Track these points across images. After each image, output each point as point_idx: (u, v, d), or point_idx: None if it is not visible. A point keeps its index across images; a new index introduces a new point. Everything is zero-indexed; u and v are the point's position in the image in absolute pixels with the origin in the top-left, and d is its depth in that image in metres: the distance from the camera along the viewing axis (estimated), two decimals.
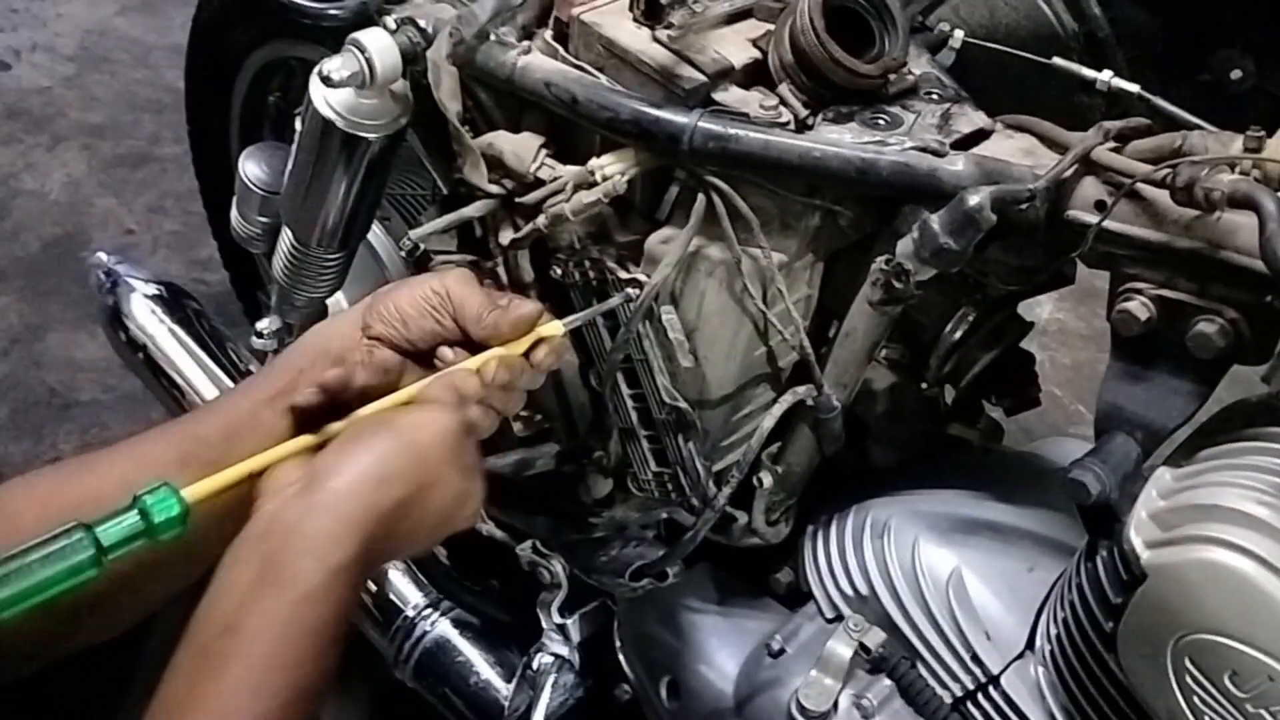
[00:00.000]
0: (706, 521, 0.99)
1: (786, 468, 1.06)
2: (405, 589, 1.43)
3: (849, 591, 1.04)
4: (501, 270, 1.10)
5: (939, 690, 0.97)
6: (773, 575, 1.15)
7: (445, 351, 0.89)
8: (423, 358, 0.88)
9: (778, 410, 0.95)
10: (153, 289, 1.68)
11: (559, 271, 1.03)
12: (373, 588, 1.46)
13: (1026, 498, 1.03)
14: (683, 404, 1.00)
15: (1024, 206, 0.82)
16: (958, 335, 0.97)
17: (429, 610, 1.41)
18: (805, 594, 1.10)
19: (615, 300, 0.97)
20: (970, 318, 0.97)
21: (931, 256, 0.84)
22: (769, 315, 0.93)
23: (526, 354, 0.87)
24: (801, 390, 0.96)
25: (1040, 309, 2.54)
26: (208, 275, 2.37)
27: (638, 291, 0.95)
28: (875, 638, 1.00)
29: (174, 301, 1.67)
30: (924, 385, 1.02)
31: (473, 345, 0.87)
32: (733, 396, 1.01)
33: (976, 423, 1.11)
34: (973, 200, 0.82)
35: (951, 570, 0.97)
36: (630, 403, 1.06)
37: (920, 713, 0.97)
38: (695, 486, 1.05)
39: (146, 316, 1.63)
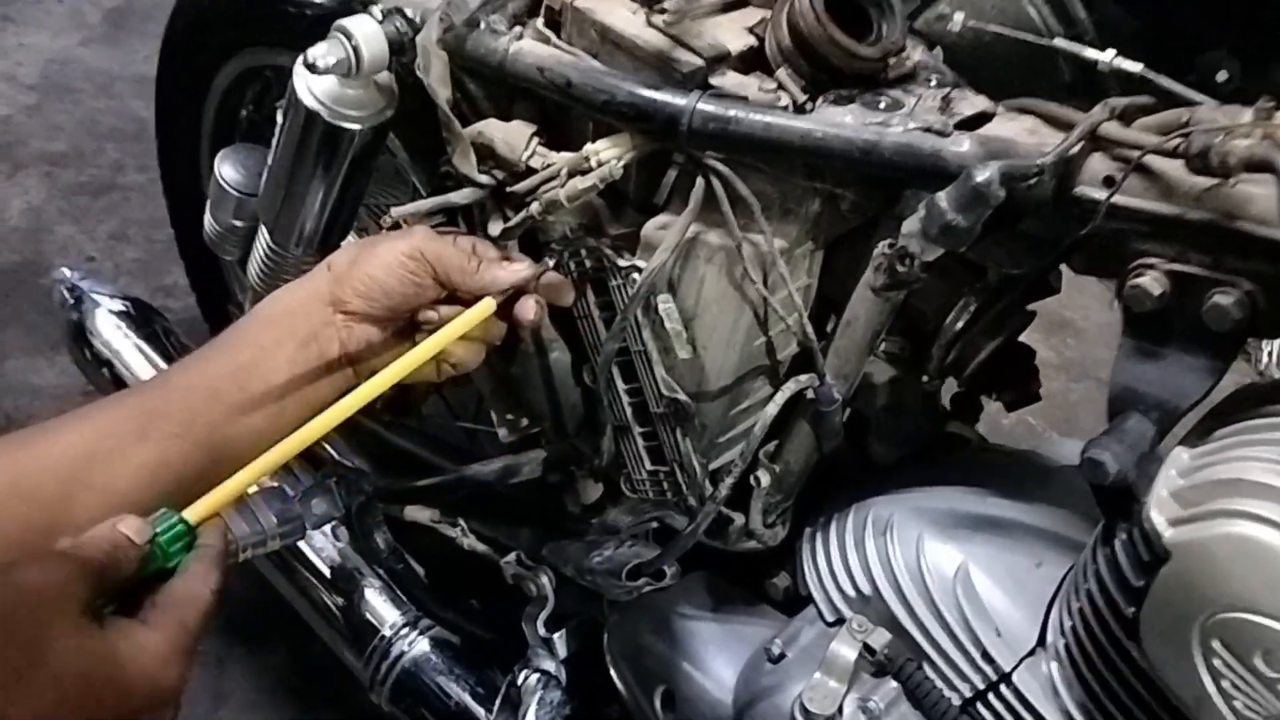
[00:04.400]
0: (707, 515, 0.96)
1: (784, 466, 1.03)
2: (381, 607, 1.38)
3: (851, 593, 1.01)
4: None
5: (947, 691, 0.94)
6: (769, 580, 1.11)
7: (430, 314, 0.87)
8: (400, 325, 0.87)
9: (780, 398, 0.92)
10: (118, 304, 1.63)
11: (552, 263, 1.00)
12: (346, 606, 1.41)
13: (1030, 494, 1.00)
14: (681, 396, 0.97)
15: (1032, 182, 0.80)
16: (960, 324, 0.95)
17: (406, 629, 1.36)
18: (804, 598, 1.06)
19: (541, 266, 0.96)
20: (972, 306, 0.95)
21: (939, 234, 0.82)
22: (771, 301, 0.90)
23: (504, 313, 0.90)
24: (804, 379, 0.93)
25: None
26: (172, 302, 2.32)
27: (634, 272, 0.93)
28: (880, 639, 0.97)
29: (141, 317, 1.62)
30: (925, 378, 1.00)
31: (453, 300, 0.86)
32: (731, 389, 0.98)
33: (976, 420, 1.08)
34: (981, 175, 0.80)
35: (958, 567, 0.94)
36: (625, 397, 1.03)
37: (928, 715, 0.93)
38: (692, 484, 1.02)
39: (112, 332, 1.58)
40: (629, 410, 1.03)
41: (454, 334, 0.87)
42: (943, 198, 0.82)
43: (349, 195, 1.16)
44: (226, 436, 0.81)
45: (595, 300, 1.01)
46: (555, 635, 1.22)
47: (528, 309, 0.93)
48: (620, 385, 1.02)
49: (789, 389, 0.92)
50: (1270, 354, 2.61)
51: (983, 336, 0.95)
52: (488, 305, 0.90)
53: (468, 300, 0.89)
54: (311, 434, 0.80)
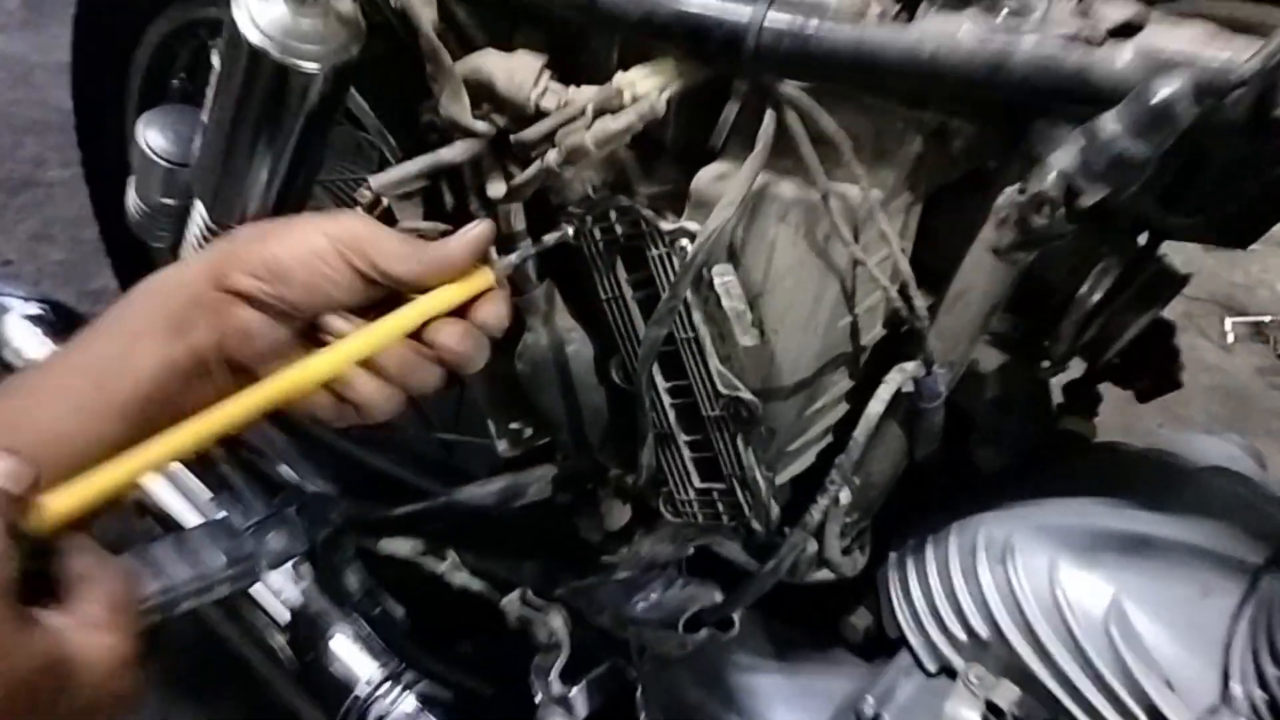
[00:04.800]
0: (795, 548, 0.75)
1: (865, 478, 0.82)
2: (354, 660, 1.14)
3: (961, 635, 0.80)
4: None
5: None
6: (845, 619, 0.90)
7: (334, 321, 0.65)
8: (300, 326, 0.65)
9: (885, 393, 0.71)
10: (33, 308, 1.38)
11: (570, 232, 0.78)
12: (312, 660, 1.17)
13: (1177, 503, 0.80)
14: (744, 393, 0.76)
15: (1233, 98, 0.60)
16: (1098, 295, 0.75)
17: (387, 685, 1.13)
18: (893, 641, 0.86)
19: (553, 236, 0.74)
20: (1113, 272, 0.75)
21: (1108, 170, 0.62)
22: (870, 266, 0.69)
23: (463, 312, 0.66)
24: (909, 368, 0.72)
25: None
26: (102, 307, 2.05)
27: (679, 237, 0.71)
28: (1007, 694, 0.77)
29: (61, 322, 1.38)
30: (1045, 364, 0.79)
31: (372, 310, 0.64)
32: (808, 383, 0.77)
33: (1094, 413, 0.89)
34: (1165, 90, 0.60)
35: (1109, 600, 0.74)
36: (667, 399, 0.81)
37: None
38: (756, 505, 0.81)
39: (25, 338, 1.34)
40: (672, 415, 0.82)
41: (403, 327, 0.64)
42: (1110, 121, 0.62)
43: (304, 160, 0.93)
44: (79, 451, 0.59)
45: (628, 277, 0.80)
46: (573, 690, 1.00)
47: (489, 312, 0.67)
48: (661, 384, 0.81)
49: (893, 380, 0.71)
50: None
51: (1129, 310, 0.75)
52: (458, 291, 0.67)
53: (381, 309, 0.66)
54: (155, 456, 0.58)
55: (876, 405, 0.70)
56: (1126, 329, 0.74)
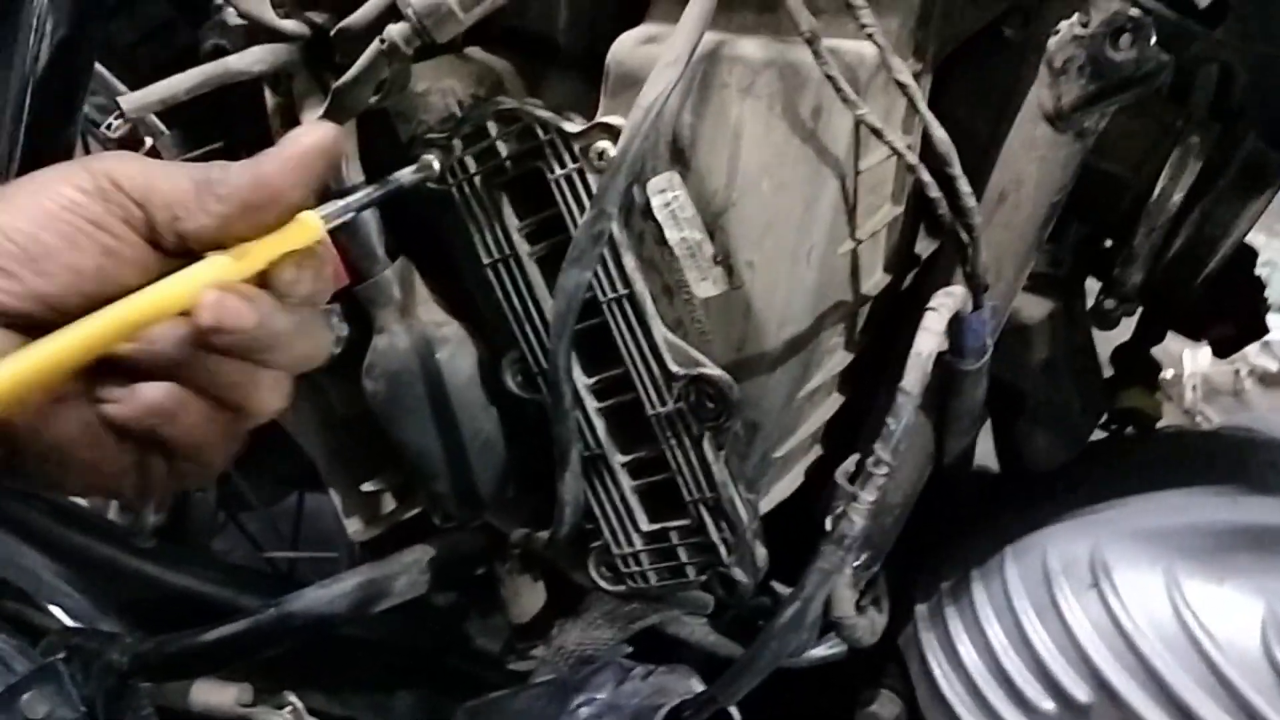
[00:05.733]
0: (819, 579, 0.48)
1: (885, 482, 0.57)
2: None
3: (1044, 705, 0.55)
4: None
5: None
6: (863, 712, 0.64)
7: None
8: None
9: (936, 322, 0.46)
10: None
11: (435, 164, 0.54)
12: None
13: None
14: (711, 369, 0.51)
15: None
16: (1183, 189, 0.54)
17: None
18: None
19: (408, 172, 0.50)
20: (1198, 156, 0.54)
21: None
22: (897, 146, 0.46)
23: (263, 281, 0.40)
24: (958, 292, 0.49)
25: None
26: None
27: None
28: None
29: None
30: (1110, 304, 0.57)
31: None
32: (803, 344, 0.53)
33: (1155, 384, 0.67)
34: None
35: (1262, 614, 0.51)
36: (593, 402, 0.56)
37: None
38: (736, 542, 0.55)
39: None
40: (601, 425, 0.56)
41: (164, 306, 0.38)
42: None
43: (62, 73, 0.66)
44: None
45: (519, 225, 0.55)
46: None
47: (297, 274, 0.42)
48: (583, 380, 0.56)
49: (943, 306, 0.47)
50: (1194, 388, 2.37)
51: (1230, 199, 0.54)
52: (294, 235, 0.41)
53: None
54: None
55: (928, 340, 0.46)
56: (1232, 225, 0.53)
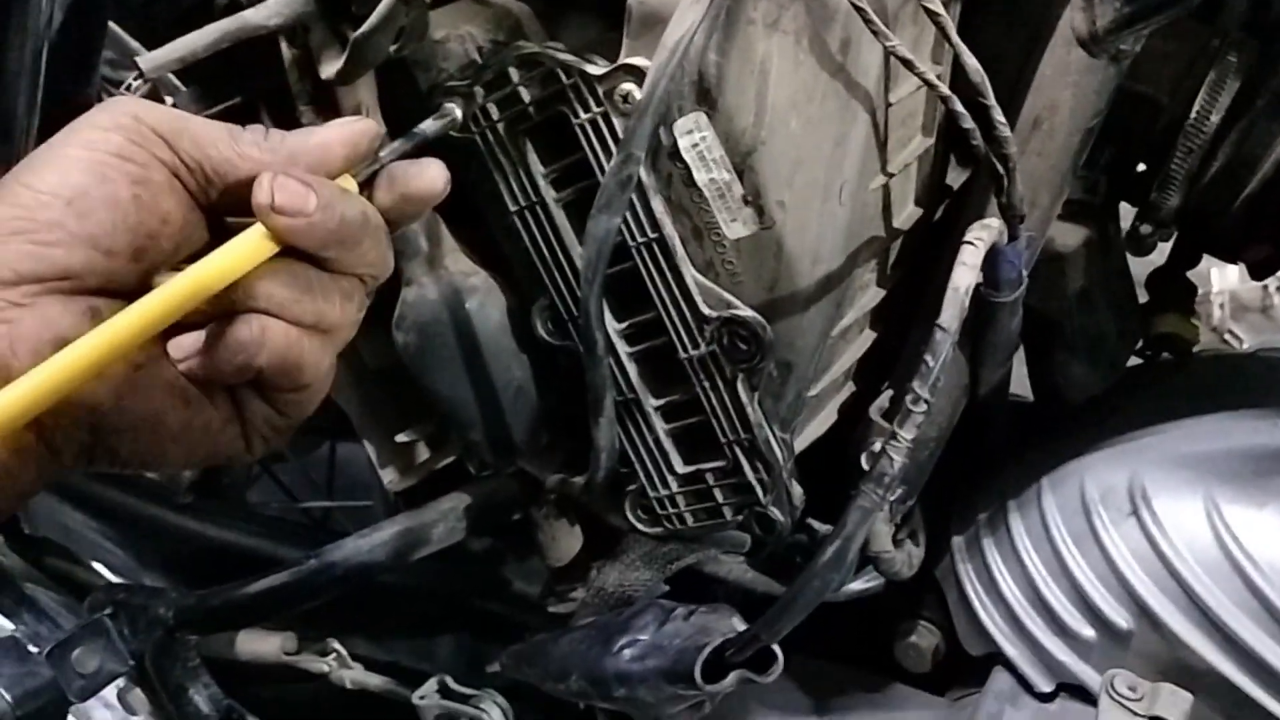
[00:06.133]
0: (864, 514, 0.48)
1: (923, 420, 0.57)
2: None
3: (1085, 631, 0.56)
4: None
5: None
6: (902, 643, 0.65)
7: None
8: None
9: (973, 256, 0.46)
10: None
11: (458, 114, 0.53)
12: None
13: None
14: (743, 310, 0.51)
15: None
16: (1220, 110, 0.52)
17: None
18: (979, 661, 0.61)
19: (431, 122, 0.49)
20: (1235, 77, 0.53)
21: None
22: (928, 77, 0.45)
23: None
24: (995, 224, 0.48)
25: None
26: None
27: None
28: (1177, 705, 0.52)
29: None
30: (1147, 229, 0.57)
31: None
32: (836, 283, 0.52)
33: (1191, 309, 0.66)
34: None
35: None
36: (624, 347, 0.56)
37: None
38: (772, 481, 0.55)
39: None
40: (634, 369, 0.56)
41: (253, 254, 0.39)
42: None
43: (77, 35, 0.66)
44: None
45: (545, 170, 0.55)
46: None
47: (416, 180, 0.44)
48: (614, 326, 0.55)
49: (980, 238, 0.46)
50: (1222, 306, 2.35)
51: (1270, 118, 0.53)
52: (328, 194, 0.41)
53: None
54: None
55: (965, 274, 0.45)
56: (1272, 144, 0.52)
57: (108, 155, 0.39)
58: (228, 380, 0.40)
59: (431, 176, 0.45)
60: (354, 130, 0.44)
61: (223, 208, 0.41)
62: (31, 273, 0.37)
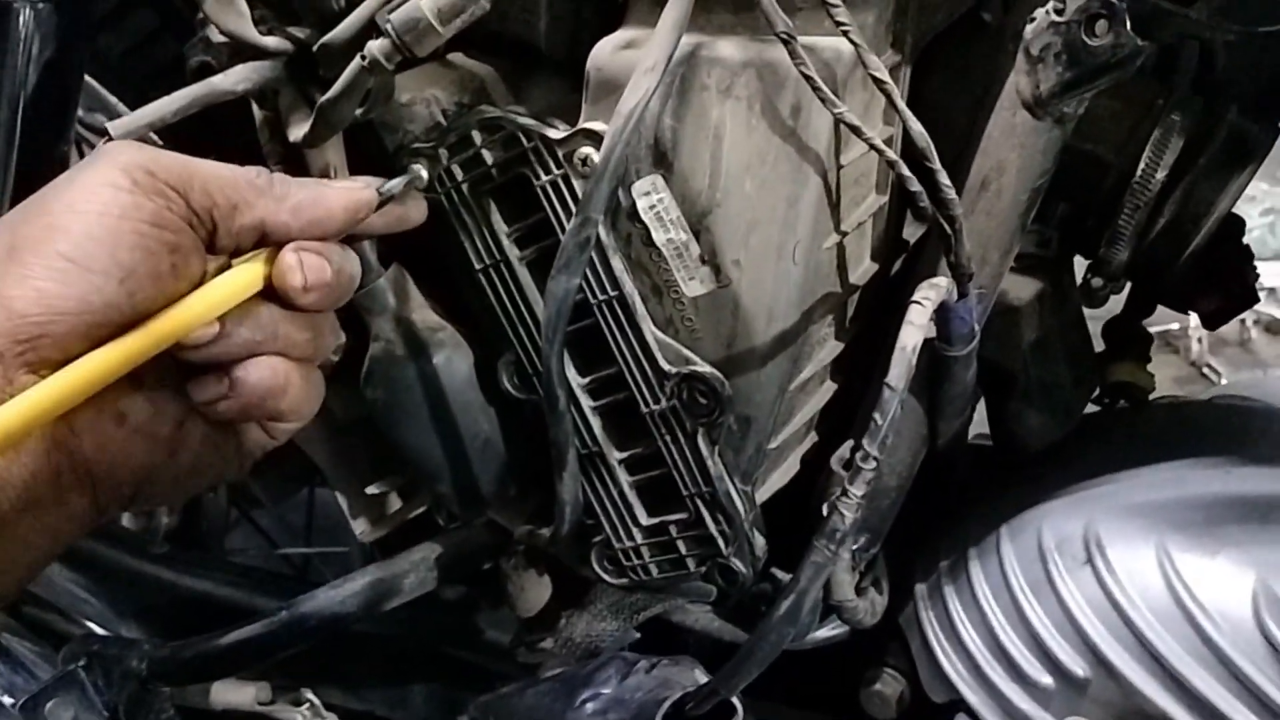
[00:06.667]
0: (817, 569, 0.49)
1: (874, 476, 0.58)
2: None
3: (1043, 679, 0.57)
4: None
5: None
6: (867, 690, 0.65)
7: None
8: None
9: (919, 315, 0.47)
10: None
11: (422, 173, 0.54)
12: None
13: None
14: (702, 366, 0.52)
15: None
16: (1165, 167, 0.54)
17: None
18: (942, 708, 0.61)
19: (397, 182, 0.51)
20: (1179, 135, 0.54)
21: None
22: (876, 143, 0.47)
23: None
24: (942, 283, 0.49)
25: None
26: None
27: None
28: None
29: None
30: (1098, 282, 0.58)
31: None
32: (792, 338, 0.53)
33: (1147, 356, 0.68)
34: None
35: (1252, 585, 0.52)
36: (588, 401, 0.57)
37: None
38: (733, 533, 0.56)
39: None
40: (598, 423, 0.57)
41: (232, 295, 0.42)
42: None
43: (52, 92, 0.67)
44: None
45: (508, 230, 0.56)
46: None
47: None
48: (577, 380, 0.56)
49: (927, 298, 0.48)
50: (1200, 340, 2.37)
51: (1213, 175, 0.54)
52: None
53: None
54: None
55: (912, 334, 0.47)
56: (1216, 200, 0.54)
57: (145, 225, 0.40)
58: (254, 419, 0.43)
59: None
60: (358, 200, 0.47)
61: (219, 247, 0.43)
62: (55, 332, 0.38)
